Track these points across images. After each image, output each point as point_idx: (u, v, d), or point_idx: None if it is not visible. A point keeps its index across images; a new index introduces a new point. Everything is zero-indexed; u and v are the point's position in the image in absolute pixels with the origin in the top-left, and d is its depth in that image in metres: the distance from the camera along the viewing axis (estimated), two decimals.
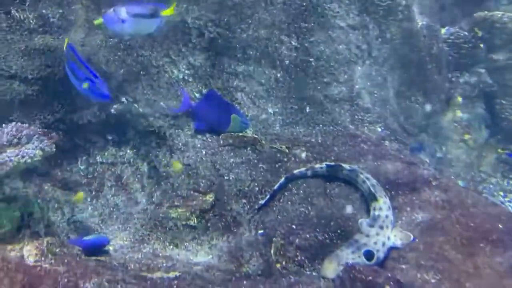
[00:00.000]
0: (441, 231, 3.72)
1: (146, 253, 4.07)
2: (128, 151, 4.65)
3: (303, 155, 4.54)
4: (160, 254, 4.09)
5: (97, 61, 4.51)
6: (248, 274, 3.83)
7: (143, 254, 4.05)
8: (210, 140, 4.64)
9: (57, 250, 3.58)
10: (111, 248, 4.05)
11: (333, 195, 4.24)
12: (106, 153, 4.63)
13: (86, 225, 4.28)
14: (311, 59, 5.04)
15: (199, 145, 4.62)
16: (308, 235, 4.00)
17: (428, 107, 5.86)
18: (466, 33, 6.56)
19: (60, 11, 4.50)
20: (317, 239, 3.99)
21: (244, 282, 3.68)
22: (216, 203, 4.29)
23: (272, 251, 3.96)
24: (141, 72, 4.65)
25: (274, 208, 4.20)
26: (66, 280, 3.24)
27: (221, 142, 4.62)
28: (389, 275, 3.47)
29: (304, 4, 5.02)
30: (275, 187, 4.24)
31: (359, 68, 5.22)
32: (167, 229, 4.25)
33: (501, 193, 6.17)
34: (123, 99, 4.60)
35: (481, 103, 6.56)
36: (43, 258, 3.40)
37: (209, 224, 4.21)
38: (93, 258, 3.75)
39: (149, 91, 4.66)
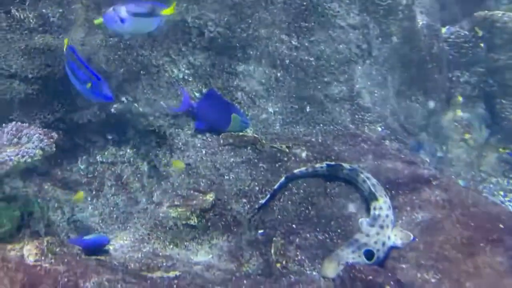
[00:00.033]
0: (441, 231, 3.72)
1: (146, 252, 4.06)
2: (128, 150, 4.65)
3: (303, 154, 4.53)
4: (160, 254, 4.09)
5: (97, 60, 4.51)
6: (248, 274, 3.83)
7: (143, 254, 4.04)
8: (210, 140, 4.64)
9: (57, 249, 3.58)
10: (111, 247, 4.05)
11: (333, 194, 4.24)
12: (106, 153, 4.63)
13: (86, 225, 4.28)
14: (311, 59, 5.03)
15: (199, 145, 4.62)
16: (308, 235, 4.01)
17: (431, 104, 5.87)
18: (466, 32, 6.55)
19: (60, 10, 4.50)
20: (317, 238, 3.99)
21: (244, 281, 3.68)
22: (216, 203, 4.28)
23: (272, 251, 3.95)
24: (141, 72, 4.65)
25: (275, 208, 4.20)
26: (66, 279, 3.24)
27: (221, 141, 4.61)
28: (389, 274, 3.47)
29: (305, 3, 5.02)
30: (276, 187, 4.24)
31: (359, 67, 5.22)
32: (167, 228, 4.25)
33: (501, 193, 6.17)
34: (123, 99, 4.60)
35: (482, 103, 6.55)
36: (43, 258, 3.40)
37: (209, 224, 4.21)
38: (93, 257, 3.75)
39: (149, 91, 4.65)
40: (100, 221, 4.35)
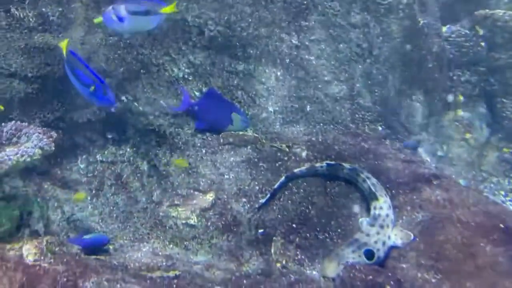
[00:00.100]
0: (442, 230, 3.71)
1: (146, 252, 4.06)
2: (128, 149, 4.64)
3: (304, 154, 4.53)
4: (160, 253, 4.09)
5: (97, 59, 4.50)
6: (248, 273, 3.83)
7: (142, 253, 4.04)
8: (210, 139, 4.64)
9: (56, 249, 3.58)
10: (111, 247, 4.05)
11: (333, 194, 4.23)
12: (106, 152, 4.62)
13: (86, 224, 4.28)
14: (311, 58, 5.02)
15: (199, 144, 4.61)
16: (308, 234, 4.00)
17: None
18: (467, 31, 6.53)
19: (60, 9, 4.49)
20: (317, 238, 3.98)
21: (244, 281, 3.67)
22: (216, 202, 4.28)
23: (272, 250, 3.95)
24: (141, 71, 4.64)
25: (275, 207, 4.19)
26: (65, 279, 3.23)
27: (221, 141, 4.61)
28: (390, 274, 3.47)
29: (305, 2, 5.00)
30: (276, 186, 4.23)
31: (359, 66, 5.20)
32: (167, 228, 4.25)
33: (502, 192, 6.15)
34: (123, 98, 4.59)
35: (482, 102, 6.54)
36: (42, 257, 3.40)
37: (209, 223, 4.20)
38: (93, 257, 3.75)
39: (149, 90, 4.65)
40: (100, 220, 4.34)
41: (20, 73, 4.33)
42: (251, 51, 4.88)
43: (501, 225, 3.65)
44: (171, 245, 4.19)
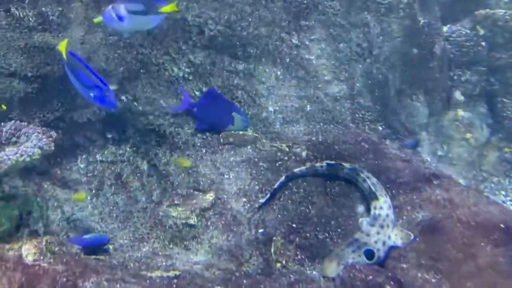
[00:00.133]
0: (442, 230, 3.71)
1: (145, 252, 4.06)
2: (128, 149, 4.64)
3: (304, 153, 4.52)
4: (160, 253, 4.08)
5: (97, 59, 4.50)
6: (248, 273, 3.82)
7: (142, 253, 4.04)
8: (210, 139, 4.63)
9: (56, 249, 3.57)
10: (110, 247, 4.05)
11: (333, 194, 4.23)
12: (105, 152, 4.62)
13: (85, 224, 4.27)
14: (311, 57, 5.02)
15: (199, 144, 4.61)
16: (308, 234, 4.00)
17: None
18: (467, 31, 6.53)
19: (60, 9, 4.48)
20: (317, 238, 3.98)
21: (244, 281, 3.67)
22: (216, 202, 4.28)
23: (272, 250, 3.95)
24: (141, 70, 4.64)
25: (275, 207, 4.19)
26: (64, 279, 3.22)
27: (221, 140, 4.61)
28: (390, 274, 3.46)
29: (305, 1, 5.00)
30: (276, 186, 4.23)
31: (360, 66, 5.20)
32: (167, 227, 4.25)
33: (503, 192, 6.15)
34: (123, 97, 4.59)
35: (483, 102, 6.54)
36: (41, 257, 3.39)
37: (209, 223, 4.20)
38: (93, 257, 3.74)
39: (149, 89, 4.64)
40: (99, 220, 4.34)
41: (20, 72, 4.32)
42: (251, 51, 4.88)
43: (502, 225, 3.64)
44: (171, 245, 4.18)
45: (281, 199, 4.23)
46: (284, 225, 4.07)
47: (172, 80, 4.70)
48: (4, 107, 4.05)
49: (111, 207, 4.41)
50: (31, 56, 4.35)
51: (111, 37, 4.54)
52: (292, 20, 4.99)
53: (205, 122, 4.64)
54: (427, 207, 3.97)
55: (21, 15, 4.40)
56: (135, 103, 4.62)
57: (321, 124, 4.96)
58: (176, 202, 4.36)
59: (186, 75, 4.74)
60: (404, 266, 3.58)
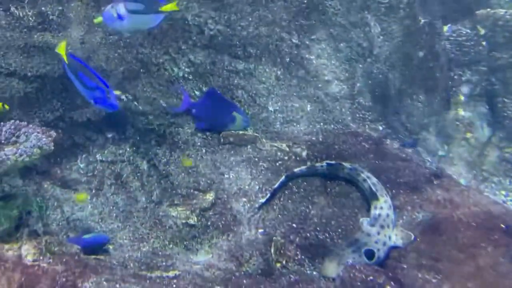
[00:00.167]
0: (443, 231, 3.70)
1: (145, 251, 4.06)
2: (128, 149, 4.64)
3: (304, 153, 4.52)
4: (160, 253, 4.08)
5: (97, 58, 4.49)
6: (248, 273, 3.82)
7: (142, 253, 4.04)
8: (210, 138, 4.63)
9: (55, 249, 3.57)
10: (110, 246, 4.04)
11: (333, 193, 4.22)
12: (105, 151, 4.61)
13: (85, 224, 4.27)
14: (312, 57, 5.01)
15: (199, 143, 4.61)
16: (308, 234, 3.99)
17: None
18: (468, 30, 6.52)
19: (60, 8, 4.48)
20: (317, 238, 3.97)
21: (244, 281, 3.67)
22: (216, 202, 4.27)
23: (272, 250, 3.94)
24: (141, 70, 4.63)
25: (275, 207, 4.19)
26: (64, 279, 3.22)
27: (222, 140, 4.60)
28: (390, 274, 3.46)
29: (305, 1, 4.99)
30: (276, 186, 4.23)
31: (360, 66, 5.19)
32: (167, 227, 4.25)
33: (503, 192, 6.13)
34: (123, 97, 4.58)
35: (483, 102, 6.52)
36: (41, 257, 3.39)
37: (209, 223, 4.20)
38: (92, 257, 3.74)
39: (149, 89, 4.64)
40: (99, 220, 4.34)
41: (20, 72, 4.31)
42: (251, 50, 4.87)
43: (502, 225, 3.64)
44: (171, 245, 4.18)
45: (281, 199, 4.22)
46: (284, 225, 4.06)
47: (172, 80, 4.70)
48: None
49: (111, 207, 4.41)
50: (31, 55, 4.34)
51: (111, 37, 4.54)
52: (292, 20, 4.98)
53: (205, 121, 4.64)
54: (428, 207, 3.97)
55: (21, 14, 4.39)
56: (135, 103, 4.61)
57: (321, 124, 4.95)
58: (176, 202, 4.36)
59: (186, 75, 4.74)
60: (405, 266, 3.58)
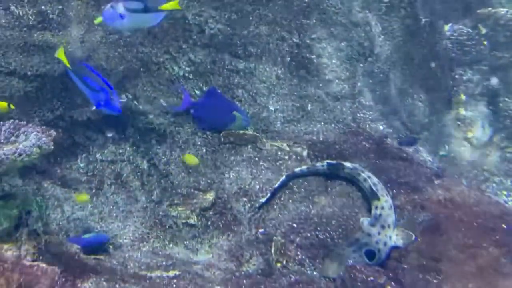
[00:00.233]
0: (443, 231, 3.69)
1: (145, 251, 4.05)
2: (128, 148, 4.63)
3: (304, 153, 4.51)
4: (160, 253, 4.08)
5: (97, 57, 4.48)
6: (248, 273, 3.81)
7: (142, 253, 4.03)
8: (210, 138, 4.62)
9: (55, 249, 3.56)
10: (110, 246, 4.04)
11: (334, 193, 4.21)
12: (105, 151, 4.61)
13: (85, 223, 4.26)
14: (312, 56, 5.00)
15: (199, 143, 4.60)
16: (309, 234, 3.98)
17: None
18: (469, 30, 6.50)
19: (60, 7, 4.46)
20: (318, 238, 3.96)
21: (244, 281, 3.66)
22: (216, 202, 4.27)
23: (272, 250, 3.93)
24: (141, 69, 4.62)
25: (275, 207, 4.18)
26: (63, 279, 3.21)
27: (222, 139, 4.59)
28: (391, 275, 3.45)
29: (306, 0, 4.98)
30: (276, 186, 4.22)
31: (361, 65, 5.18)
32: (167, 227, 4.24)
33: (505, 192, 6.12)
34: (123, 96, 4.57)
35: (485, 101, 6.51)
36: (40, 257, 3.38)
37: (209, 223, 4.19)
38: (92, 256, 3.74)
39: (149, 88, 4.63)
40: (99, 219, 4.33)
41: (20, 71, 4.30)
42: (252, 50, 4.86)
43: (504, 226, 3.63)
44: (171, 245, 4.17)
45: (282, 198, 4.21)
46: (284, 225, 4.05)
47: (172, 79, 4.69)
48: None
49: (111, 207, 4.40)
50: (31, 54, 4.33)
51: (111, 36, 4.52)
52: (293, 19, 4.97)
53: (206, 121, 4.63)
54: (429, 207, 3.96)
55: (21, 13, 4.38)
56: (135, 102, 4.60)
57: (322, 123, 4.94)
58: (176, 201, 4.35)
59: (186, 74, 4.73)
60: (405, 266, 3.56)
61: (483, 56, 6.50)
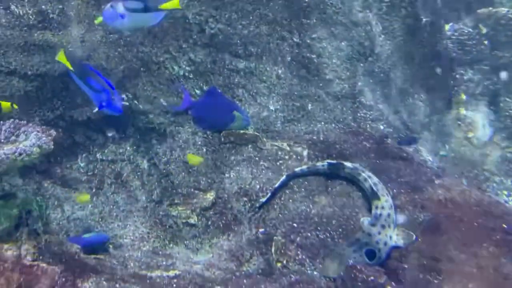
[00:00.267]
0: (444, 231, 3.69)
1: (145, 251, 4.05)
2: (128, 148, 4.63)
3: (305, 152, 4.50)
4: (160, 253, 4.07)
5: (97, 57, 4.48)
6: (248, 273, 3.81)
7: (142, 252, 4.03)
8: (211, 138, 4.62)
9: (55, 248, 3.56)
10: (110, 246, 4.03)
11: (334, 193, 4.21)
12: (106, 150, 4.60)
13: (86, 223, 4.26)
14: (313, 56, 4.99)
15: (199, 143, 4.60)
16: (309, 234, 3.98)
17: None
18: (470, 29, 6.50)
19: (60, 6, 4.46)
20: (318, 237, 3.96)
21: (245, 281, 3.66)
22: (216, 201, 4.26)
23: (273, 250, 3.93)
24: (141, 69, 4.62)
25: (275, 206, 4.18)
26: (63, 279, 3.21)
27: (222, 139, 4.59)
28: (391, 275, 3.44)
29: (306, 0, 4.97)
30: (276, 185, 4.21)
31: (361, 65, 5.18)
32: (167, 227, 4.24)
33: (505, 192, 6.12)
34: (123, 96, 4.56)
35: (485, 101, 6.51)
36: (41, 257, 3.38)
37: (209, 223, 4.19)
38: (92, 256, 3.73)
39: (149, 88, 4.63)
40: (100, 219, 4.33)
41: (20, 71, 4.30)
42: (252, 49, 4.86)
43: (504, 225, 3.62)
44: (171, 244, 4.17)
45: (282, 198, 4.21)
46: (285, 225, 4.05)
47: (172, 79, 4.68)
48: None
49: (111, 206, 4.40)
50: (31, 54, 4.33)
51: (111, 35, 4.52)
52: (293, 19, 4.96)
53: (206, 120, 4.62)
54: (429, 207, 3.95)
55: (21, 12, 4.38)
56: (136, 102, 4.60)
57: (322, 123, 4.93)
58: (176, 201, 4.35)
59: (186, 74, 4.73)
60: (406, 266, 3.56)
61: (484, 56, 6.50)
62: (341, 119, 4.98)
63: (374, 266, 3.58)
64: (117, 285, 3.32)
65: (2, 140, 3.62)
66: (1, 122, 3.84)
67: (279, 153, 4.51)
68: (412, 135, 5.44)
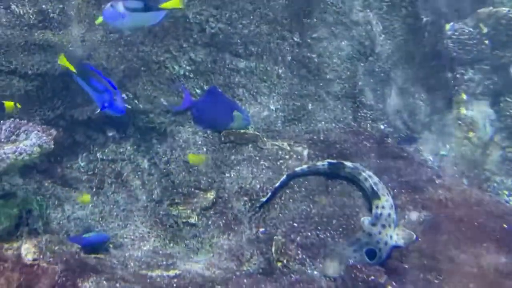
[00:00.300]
0: (444, 230, 3.68)
1: (146, 251, 4.05)
2: (129, 147, 4.63)
3: (305, 152, 4.50)
4: (160, 252, 4.07)
5: (97, 56, 4.48)
6: (248, 273, 3.81)
7: (143, 252, 4.03)
8: (211, 137, 4.62)
9: (55, 248, 3.56)
10: (111, 245, 4.03)
11: (335, 193, 4.21)
12: (106, 150, 4.61)
13: (86, 223, 4.26)
14: (313, 55, 4.99)
15: (200, 142, 4.59)
16: (309, 233, 3.98)
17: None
18: (471, 29, 6.49)
19: (60, 6, 4.46)
20: (318, 237, 3.96)
21: (245, 280, 3.66)
22: (217, 201, 4.26)
23: (273, 249, 3.93)
24: (142, 68, 4.62)
25: (276, 206, 4.17)
26: (64, 278, 3.21)
27: (222, 139, 4.59)
28: (392, 274, 3.44)
29: None
30: (277, 185, 4.21)
31: (362, 64, 5.17)
32: (168, 226, 4.24)
33: (506, 192, 6.11)
34: (124, 95, 4.56)
35: (486, 100, 6.50)
36: (41, 256, 3.38)
37: (210, 222, 4.19)
38: (93, 256, 3.73)
39: (149, 87, 4.63)
40: (100, 218, 4.33)
41: (20, 70, 4.31)
42: (253, 49, 4.86)
43: (505, 225, 3.62)
44: (171, 244, 4.17)
45: (282, 198, 4.21)
46: (285, 224, 4.05)
47: (173, 78, 4.68)
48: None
49: (112, 206, 4.40)
50: (32, 53, 4.33)
51: (111, 35, 4.52)
52: (293, 18, 4.96)
53: (206, 120, 4.62)
54: (429, 207, 3.95)
55: (22, 12, 4.38)
56: (136, 101, 4.60)
57: (323, 122, 4.93)
58: (176, 200, 4.35)
59: (187, 73, 4.73)
60: (406, 266, 3.56)
61: (485, 56, 6.49)
62: (341, 119, 4.98)
63: (374, 265, 3.58)
64: (118, 285, 3.32)
65: (3, 140, 3.62)
66: (2, 121, 3.84)
67: (280, 152, 4.51)
68: (411, 134, 5.44)
